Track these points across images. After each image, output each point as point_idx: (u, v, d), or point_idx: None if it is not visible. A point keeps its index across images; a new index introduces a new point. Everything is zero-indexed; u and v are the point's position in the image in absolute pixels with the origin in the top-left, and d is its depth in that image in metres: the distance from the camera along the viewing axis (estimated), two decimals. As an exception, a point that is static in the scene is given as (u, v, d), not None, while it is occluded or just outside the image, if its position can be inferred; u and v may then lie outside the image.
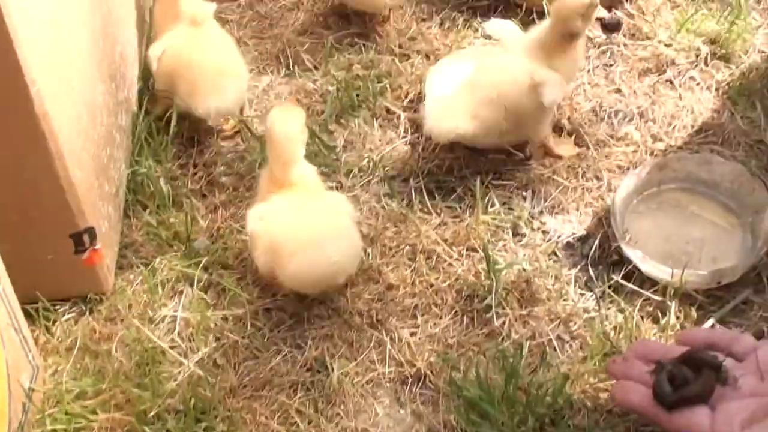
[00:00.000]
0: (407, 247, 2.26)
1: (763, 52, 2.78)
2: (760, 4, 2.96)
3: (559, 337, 2.09)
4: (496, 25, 2.53)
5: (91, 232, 2.04)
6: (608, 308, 2.13)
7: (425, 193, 2.37)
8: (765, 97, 2.59)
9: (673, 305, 2.10)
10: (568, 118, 2.55)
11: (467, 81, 2.40)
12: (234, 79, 2.49)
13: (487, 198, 2.35)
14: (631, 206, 2.31)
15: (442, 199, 2.37)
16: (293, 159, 2.16)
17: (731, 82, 2.67)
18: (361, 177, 2.42)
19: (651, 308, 2.13)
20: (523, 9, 2.87)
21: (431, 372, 2.04)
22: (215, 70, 2.45)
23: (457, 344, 2.08)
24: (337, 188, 2.37)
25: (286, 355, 2.08)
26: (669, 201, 2.34)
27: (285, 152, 2.14)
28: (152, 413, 1.94)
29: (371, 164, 2.44)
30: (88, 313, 2.16)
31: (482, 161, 2.45)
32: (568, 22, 2.32)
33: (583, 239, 2.29)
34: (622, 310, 2.12)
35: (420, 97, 2.58)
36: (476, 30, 2.85)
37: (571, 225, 2.32)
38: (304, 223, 2.12)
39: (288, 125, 2.15)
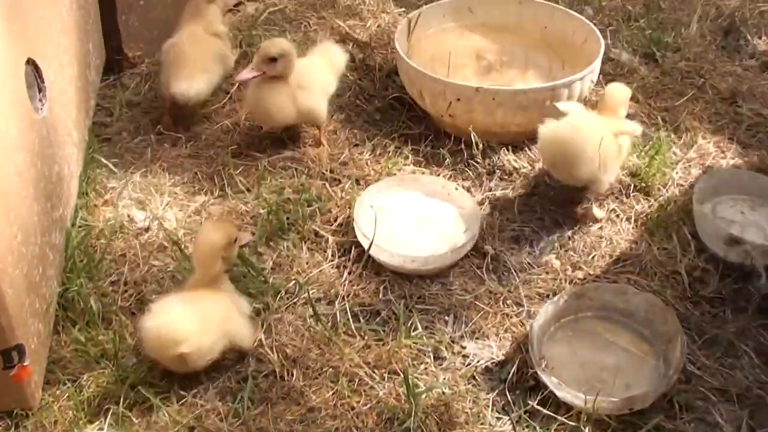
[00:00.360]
0: (330, 370, 2.30)
1: (681, 185, 2.89)
2: (681, 140, 3.08)
3: (476, 460, 2.14)
4: (566, 104, 2.79)
5: (20, 348, 2.07)
6: (524, 432, 2.19)
7: (350, 316, 2.42)
8: (681, 229, 2.69)
9: (587, 430, 2.15)
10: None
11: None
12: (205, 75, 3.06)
13: (410, 322, 2.41)
14: (549, 333, 2.39)
15: (367, 322, 2.43)
16: (211, 269, 2.30)
17: (650, 213, 2.77)
18: (288, 299, 2.46)
19: (565, 433, 2.19)
20: (452, 138, 2.98)
21: (350, 493, 2.08)
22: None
23: (376, 466, 2.12)
24: (263, 310, 2.42)
25: (207, 474, 2.11)
26: (585, 329, 2.42)
27: (203, 261, 2.30)
28: None
29: (298, 286, 2.49)
30: (13, 428, 2.17)
31: (407, 285, 2.51)
32: (617, 109, 2.84)
33: (502, 364, 2.34)
34: (537, 435, 2.18)
35: (349, 221, 2.65)
36: (407, 157, 2.95)
37: (490, 350, 2.38)
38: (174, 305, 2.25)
39: (210, 238, 2.30)
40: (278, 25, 3.62)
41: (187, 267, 2.48)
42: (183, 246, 2.57)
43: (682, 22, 3.81)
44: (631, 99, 3.21)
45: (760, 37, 3.76)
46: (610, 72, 3.44)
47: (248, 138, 3.02)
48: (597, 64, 3.04)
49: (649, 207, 2.81)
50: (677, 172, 2.95)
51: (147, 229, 2.67)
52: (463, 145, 2.95)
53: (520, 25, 3.46)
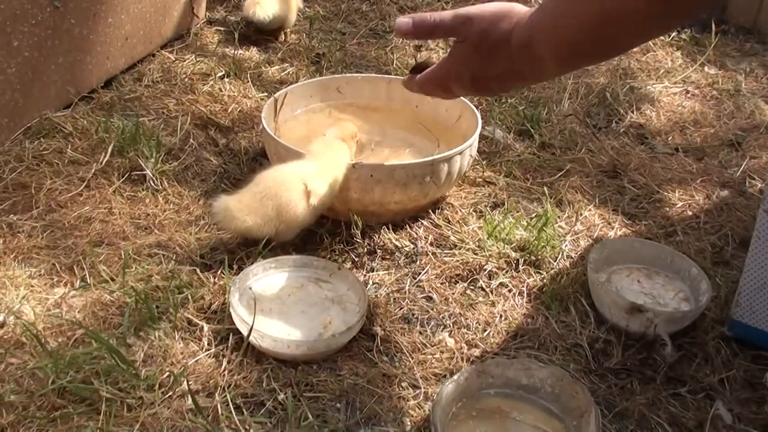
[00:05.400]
0: (215, 466, 2.06)
1: (571, 257, 2.77)
2: (565, 213, 2.98)
3: None
4: None
5: None
6: None
7: (232, 409, 2.17)
8: (578, 301, 2.55)
9: None
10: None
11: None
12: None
13: (299, 411, 2.18)
14: (451, 414, 2.19)
15: (251, 414, 2.18)
16: None
17: (543, 287, 2.62)
18: (162, 393, 2.20)
19: None
20: (329, 220, 2.81)
21: None
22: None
23: None
24: (137, 405, 2.17)
25: None
26: (489, 408, 2.23)
27: None
28: None
29: (173, 378, 2.23)
30: None
31: (292, 372, 2.29)
32: None
33: (402, 451, 2.15)
34: None
35: (224, 308, 2.43)
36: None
37: (388, 436, 2.18)
38: None
39: None
40: (135, 112, 3.42)
41: (48, 364, 2.21)
42: (43, 340, 2.30)
43: (554, 100, 3.74)
44: (509, 175, 3.12)
45: (633, 111, 3.71)
46: (485, 149, 3.33)
47: (108, 226, 2.78)
48: (476, 138, 2.92)
49: (542, 280, 2.66)
50: (566, 245, 2.82)
51: (2, 325, 2.39)
52: (342, 226, 2.77)
53: (391, 105, 3.34)
